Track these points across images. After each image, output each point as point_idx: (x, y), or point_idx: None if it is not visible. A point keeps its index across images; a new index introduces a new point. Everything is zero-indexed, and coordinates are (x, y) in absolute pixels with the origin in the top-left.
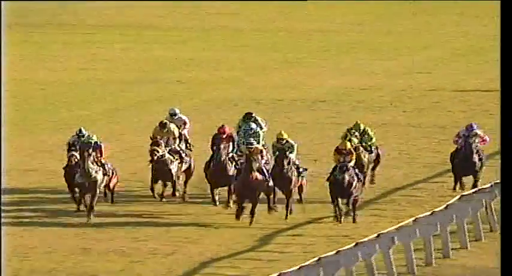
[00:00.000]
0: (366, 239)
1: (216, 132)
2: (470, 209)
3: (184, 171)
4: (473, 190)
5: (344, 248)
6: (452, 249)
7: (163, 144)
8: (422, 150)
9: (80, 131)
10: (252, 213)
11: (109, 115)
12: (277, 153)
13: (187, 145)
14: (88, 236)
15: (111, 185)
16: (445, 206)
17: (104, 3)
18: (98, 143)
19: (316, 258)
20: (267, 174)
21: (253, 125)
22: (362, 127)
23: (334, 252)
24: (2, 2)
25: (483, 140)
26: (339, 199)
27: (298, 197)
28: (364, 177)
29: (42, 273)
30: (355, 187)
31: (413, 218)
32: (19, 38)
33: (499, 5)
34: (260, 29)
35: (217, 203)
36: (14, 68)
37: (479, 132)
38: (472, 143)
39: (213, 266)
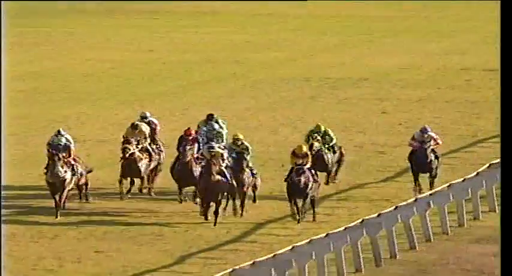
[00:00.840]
0: (404, 203)
1: (183, 134)
2: (498, 176)
3: (152, 169)
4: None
5: (385, 211)
6: (482, 212)
7: (134, 143)
8: (455, 123)
9: (59, 131)
10: (216, 213)
11: (174, 92)
12: (233, 155)
13: (158, 146)
14: None
15: (81, 183)
16: (475, 173)
17: None
18: (67, 144)
19: (359, 220)
20: (228, 176)
21: (216, 126)
22: (323, 129)
23: (376, 214)
24: (2, 2)
25: (436, 143)
26: (296, 199)
27: (252, 195)
28: (329, 176)
29: None
30: (311, 188)
31: (447, 184)
32: (98, 22)
33: None
34: (311, 14)
35: (182, 202)
36: (92, 49)
37: (432, 134)
38: (426, 145)
39: (267, 226)
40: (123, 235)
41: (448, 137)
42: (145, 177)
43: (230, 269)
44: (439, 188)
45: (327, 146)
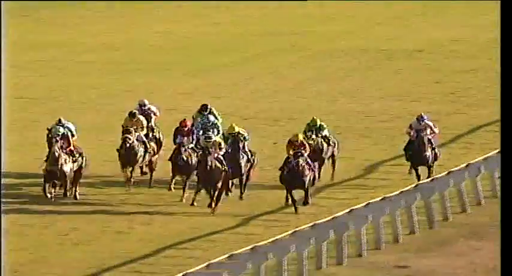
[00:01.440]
0: (456, 168)
1: (178, 125)
2: None
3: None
4: None
5: (438, 176)
6: None
7: (134, 133)
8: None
9: (60, 120)
10: (218, 199)
11: (238, 63)
12: (230, 141)
13: (153, 134)
14: None
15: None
16: None
17: None
18: (65, 133)
19: (414, 185)
20: (225, 164)
21: (211, 117)
22: (318, 122)
23: (429, 179)
24: (2, 2)
25: (433, 132)
26: (292, 188)
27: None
28: (320, 166)
29: None
30: (307, 175)
31: (497, 150)
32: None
33: None
34: None
35: (172, 189)
36: (160, 22)
37: (429, 123)
38: (423, 136)
39: (327, 191)
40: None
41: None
42: (143, 166)
43: (291, 231)
44: (490, 154)
45: (320, 136)
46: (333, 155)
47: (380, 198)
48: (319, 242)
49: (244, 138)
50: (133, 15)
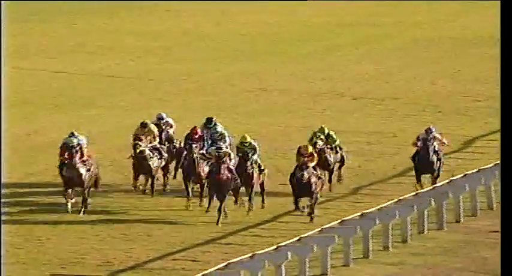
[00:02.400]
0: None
1: (189, 132)
2: None
3: (163, 167)
4: None
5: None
6: None
7: (144, 141)
8: None
9: (73, 133)
10: (220, 210)
11: (321, 51)
12: (241, 154)
13: (173, 145)
14: None
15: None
16: None
17: None
18: (80, 143)
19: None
20: (235, 173)
21: (219, 128)
22: (326, 131)
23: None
24: (2, 2)
25: (441, 142)
26: (301, 198)
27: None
28: (331, 175)
29: None
30: (315, 184)
31: None
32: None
33: None
34: None
35: (190, 195)
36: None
37: (437, 135)
38: (429, 146)
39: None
40: None
41: None
42: (156, 175)
43: (395, 199)
44: None
45: (329, 146)
46: (341, 161)
47: (476, 170)
48: (421, 209)
49: (255, 149)
50: (225, 8)
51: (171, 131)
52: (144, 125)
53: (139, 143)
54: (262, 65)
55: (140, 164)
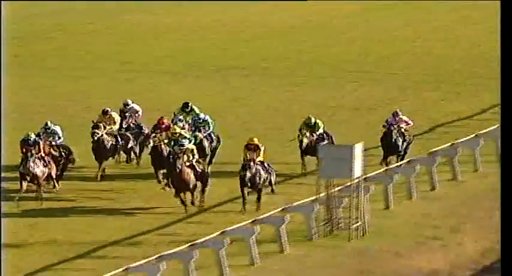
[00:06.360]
0: None
1: (156, 123)
2: None
3: (125, 150)
4: None
5: None
6: None
7: (102, 128)
8: None
9: (46, 124)
10: (192, 202)
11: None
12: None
13: (142, 130)
14: None
15: (53, 174)
16: None
17: None
18: (36, 139)
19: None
20: (197, 168)
21: (202, 115)
22: (313, 120)
23: None
24: (2, 2)
25: (407, 124)
26: (246, 190)
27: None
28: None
29: None
30: (260, 180)
31: None
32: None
33: None
34: None
35: (162, 182)
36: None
37: (404, 117)
38: (393, 130)
39: None
40: None
41: None
42: (115, 158)
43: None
44: None
45: (315, 133)
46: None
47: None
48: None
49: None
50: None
51: (137, 117)
52: (105, 112)
53: (97, 130)
54: None
55: (98, 149)
